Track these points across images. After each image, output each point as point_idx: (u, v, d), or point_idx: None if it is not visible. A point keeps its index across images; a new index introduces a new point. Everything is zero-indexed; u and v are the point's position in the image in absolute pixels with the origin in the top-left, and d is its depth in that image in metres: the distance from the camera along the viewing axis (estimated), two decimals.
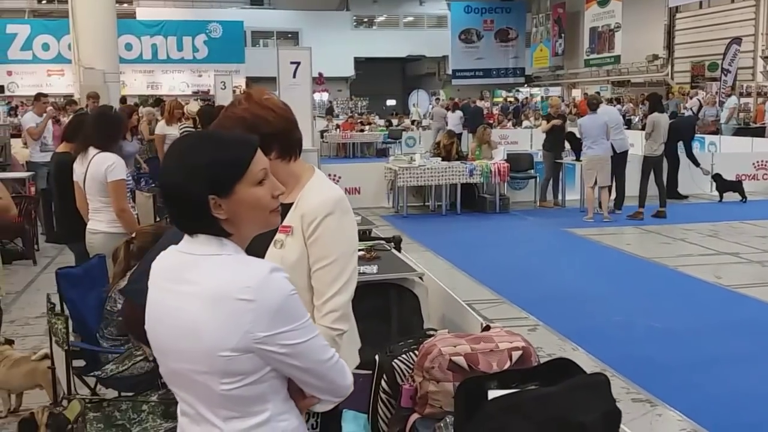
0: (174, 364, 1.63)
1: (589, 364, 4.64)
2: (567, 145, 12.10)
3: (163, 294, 1.64)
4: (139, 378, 3.74)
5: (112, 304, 3.90)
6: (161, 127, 9.59)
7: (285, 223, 2.20)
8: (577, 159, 11.52)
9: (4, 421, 4.29)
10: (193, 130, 8.65)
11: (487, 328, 3.11)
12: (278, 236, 2.21)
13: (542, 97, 27.44)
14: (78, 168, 4.73)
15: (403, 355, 3.19)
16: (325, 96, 30.77)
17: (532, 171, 12.37)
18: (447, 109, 20.45)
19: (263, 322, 1.53)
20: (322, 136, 20.11)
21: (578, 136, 11.17)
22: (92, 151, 4.61)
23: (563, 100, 20.47)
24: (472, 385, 2.26)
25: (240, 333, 1.52)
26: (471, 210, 11.50)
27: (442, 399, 2.80)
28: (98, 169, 4.55)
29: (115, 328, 3.91)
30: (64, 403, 3.52)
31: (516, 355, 2.83)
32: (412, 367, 3.11)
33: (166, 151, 1.71)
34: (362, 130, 22.47)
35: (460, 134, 16.65)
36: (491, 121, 21.21)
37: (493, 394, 2.21)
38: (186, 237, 1.65)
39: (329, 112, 25.40)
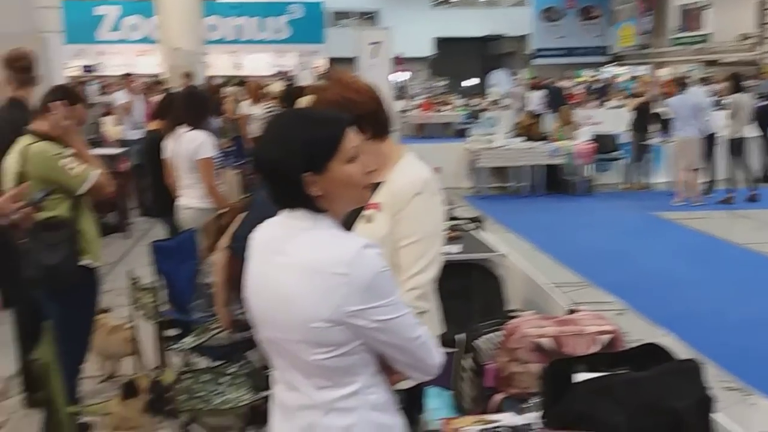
0: (269, 332, 1.70)
1: (678, 350, 4.51)
2: (654, 126, 11.74)
3: (262, 265, 1.70)
4: (221, 350, 3.87)
5: (203, 277, 4.04)
6: (246, 107, 9.79)
7: (374, 200, 2.23)
8: (665, 140, 11.17)
9: (102, 386, 4.52)
10: (278, 109, 8.80)
11: (573, 310, 3.07)
12: (367, 212, 2.24)
13: (632, 77, 26.57)
14: (169, 145, 4.89)
15: (487, 335, 3.19)
16: (404, 76, 30.69)
17: (618, 152, 12.06)
18: (531, 88, 20.10)
19: (355, 296, 1.57)
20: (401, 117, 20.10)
21: (666, 116, 10.82)
22: (182, 129, 4.75)
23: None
24: (560, 367, 2.24)
25: (333, 305, 1.57)
26: (553, 192, 11.32)
27: (527, 380, 2.78)
28: (188, 146, 4.70)
29: (207, 300, 4.05)
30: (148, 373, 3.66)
31: (603, 339, 2.79)
32: (495, 347, 3.11)
33: (263, 128, 1.75)
34: (441, 111, 22.33)
35: (541, 114, 16.36)
36: (574, 101, 20.73)
37: (580, 377, 2.18)
38: (284, 211, 1.70)
39: (402, 94, 25.20)
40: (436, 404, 3.11)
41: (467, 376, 3.21)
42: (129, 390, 2.79)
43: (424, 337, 1.69)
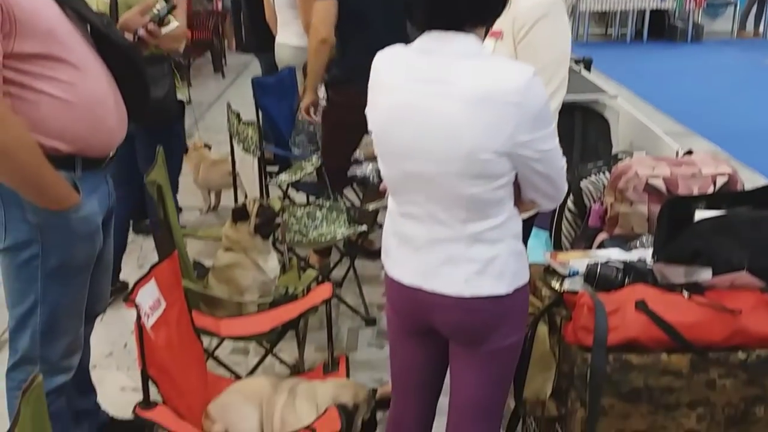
0: (415, 166, 1.60)
1: None
2: None
3: (409, 94, 1.58)
4: (315, 186, 3.97)
5: (301, 114, 4.04)
6: None
7: (494, 27, 2.12)
8: None
9: (205, 218, 4.76)
10: None
11: (689, 152, 2.95)
12: (487, 41, 2.13)
13: None
14: None
15: (593, 176, 3.12)
16: None
17: None
18: None
19: (526, 125, 1.51)
20: None
21: None
22: None
23: None
24: (679, 205, 2.16)
25: (504, 136, 1.51)
26: (659, 39, 10.68)
27: (634, 221, 2.73)
28: None
29: (306, 136, 4.08)
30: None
31: (720, 180, 2.68)
32: (600, 188, 3.04)
33: None
34: None
35: None
36: None
37: (700, 214, 2.10)
38: (436, 36, 1.57)
39: None
40: (533, 244, 3.11)
41: (569, 216, 3.19)
42: (239, 214, 2.89)
43: (565, 166, 1.67)
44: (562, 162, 1.65)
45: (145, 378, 1.85)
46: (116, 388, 3.00)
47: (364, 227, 3.50)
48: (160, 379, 1.90)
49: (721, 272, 1.92)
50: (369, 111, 1.71)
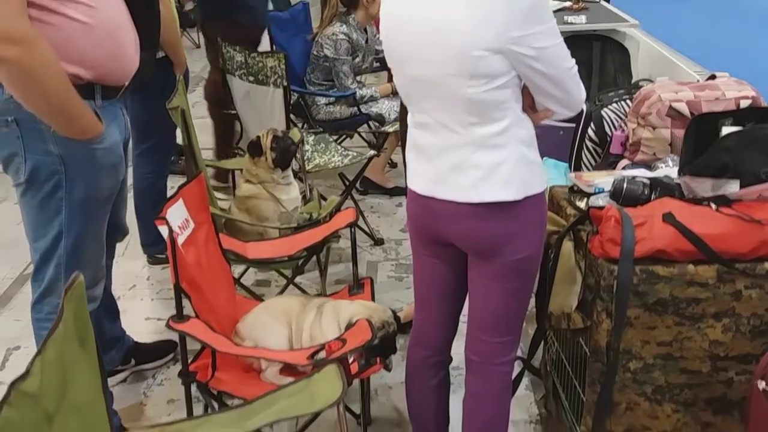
0: (417, 70, 1.64)
1: None
2: None
3: (411, 4, 1.62)
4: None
5: (318, 49, 4.01)
6: None
7: None
8: None
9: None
10: None
11: (713, 76, 2.92)
12: None
13: None
14: None
15: (614, 104, 3.10)
16: None
17: None
18: None
19: (516, 21, 1.51)
20: None
21: None
22: None
23: None
24: (705, 121, 2.15)
25: (494, 32, 1.51)
26: None
27: (657, 146, 2.72)
28: None
29: (321, 72, 4.05)
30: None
31: (744, 104, 2.66)
32: (622, 116, 3.02)
33: None
34: None
35: None
36: None
37: (726, 130, 2.09)
38: None
39: None
40: (553, 174, 3.10)
41: (590, 145, 3.18)
42: (254, 149, 2.89)
43: (575, 69, 1.65)
44: (569, 63, 1.63)
45: (178, 291, 1.87)
46: (140, 318, 3.05)
47: (370, 153, 3.55)
48: (192, 293, 1.92)
49: (749, 184, 1.92)
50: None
